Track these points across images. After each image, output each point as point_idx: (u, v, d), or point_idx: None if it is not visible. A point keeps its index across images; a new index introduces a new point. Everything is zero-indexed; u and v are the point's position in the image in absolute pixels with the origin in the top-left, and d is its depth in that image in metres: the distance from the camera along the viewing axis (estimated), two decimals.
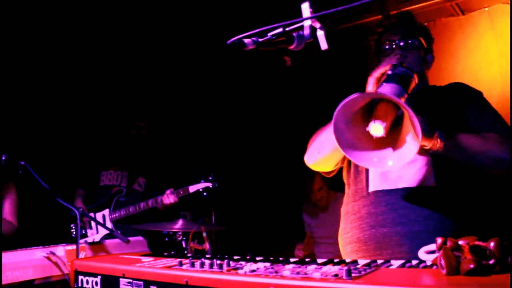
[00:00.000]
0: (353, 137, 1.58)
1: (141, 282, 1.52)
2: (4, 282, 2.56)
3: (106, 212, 4.05)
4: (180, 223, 3.14)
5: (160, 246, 3.92)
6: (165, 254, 2.00)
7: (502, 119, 1.91)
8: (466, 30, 3.91)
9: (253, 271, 1.32)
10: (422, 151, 1.73)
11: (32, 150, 3.83)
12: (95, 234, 4.07)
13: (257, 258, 1.68)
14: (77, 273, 1.81)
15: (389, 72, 1.73)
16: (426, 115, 1.80)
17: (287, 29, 1.35)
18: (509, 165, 1.71)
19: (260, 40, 1.37)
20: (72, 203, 4.11)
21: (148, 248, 3.37)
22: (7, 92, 4.10)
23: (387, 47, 2.05)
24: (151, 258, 1.81)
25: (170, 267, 1.51)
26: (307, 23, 1.30)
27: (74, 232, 3.90)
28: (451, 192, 1.82)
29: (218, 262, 1.42)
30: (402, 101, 1.46)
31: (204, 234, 3.03)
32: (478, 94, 2.03)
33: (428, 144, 1.67)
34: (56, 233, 3.76)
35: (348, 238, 2.00)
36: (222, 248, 4.10)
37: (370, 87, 1.76)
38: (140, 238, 3.46)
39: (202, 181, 3.66)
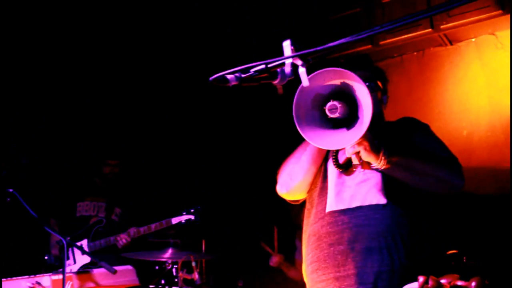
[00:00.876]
0: (312, 119, 1.74)
1: None
2: None
3: (84, 242, 3.99)
4: (169, 252, 3.12)
5: (150, 275, 3.88)
6: (151, 287, 1.98)
7: (446, 147, 2.05)
8: (454, 60, 3.97)
9: None
10: (368, 166, 1.91)
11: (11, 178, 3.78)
12: (72, 264, 4.01)
13: None
14: None
15: None
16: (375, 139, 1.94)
17: (269, 65, 1.37)
18: (451, 184, 1.93)
19: (243, 75, 1.38)
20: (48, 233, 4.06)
21: (136, 277, 3.34)
22: None
23: None
24: None
25: None
26: (288, 60, 1.32)
27: (48, 261, 3.85)
28: (401, 210, 1.92)
29: None
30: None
31: (193, 264, 3.01)
32: (425, 126, 2.17)
33: (375, 158, 1.83)
34: (37, 261, 3.70)
35: (309, 259, 2.06)
36: (212, 277, 4.07)
37: None
38: (128, 266, 3.42)
39: (184, 213, 3.68)
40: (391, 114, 2.29)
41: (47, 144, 4.62)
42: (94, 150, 4.43)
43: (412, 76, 4.16)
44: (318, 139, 1.74)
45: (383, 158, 1.83)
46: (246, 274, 4.14)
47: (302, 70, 1.33)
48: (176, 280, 3.35)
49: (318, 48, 1.26)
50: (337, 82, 1.68)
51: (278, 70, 1.40)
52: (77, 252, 3.99)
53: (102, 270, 3.29)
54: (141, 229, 3.80)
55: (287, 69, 1.32)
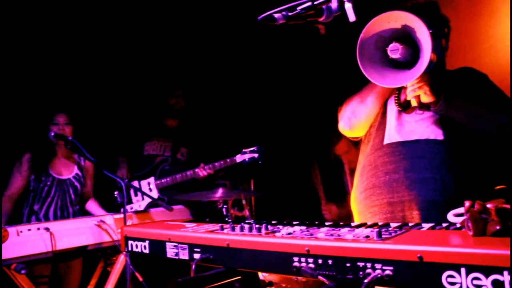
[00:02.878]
0: (375, 59, 1.80)
1: (186, 246, 1.65)
2: (61, 247, 2.78)
3: (151, 179, 4.24)
4: (220, 192, 3.26)
5: (202, 215, 4.08)
6: (206, 220, 2.12)
7: (504, 94, 2.08)
8: None
9: (290, 233, 1.41)
10: (427, 109, 2.00)
11: (79, 121, 3.98)
12: (140, 201, 4.28)
13: (294, 222, 1.78)
14: (127, 238, 1.95)
15: None
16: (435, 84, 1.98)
17: (315, 2, 1.39)
18: (509, 128, 1.93)
19: (290, 14, 1.42)
20: (115, 171, 4.33)
21: (190, 216, 3.54)
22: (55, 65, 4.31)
23: None
24: (194, 224, 1.93)
25: (212, 232, 1.62)
26: None
27: (119, 199, 4.12)
28: (456, 146, 1.98)
29: (257, 226, 1.52)
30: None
31: (244, 201, 3.15)
32: (484, 76, 2.17)
33: (435, 102, 1.91)
34: (103, 202, 3.96)
35: (363, 186, 2.16)
36: (261, 214, 4.22)
37: None
38: (181, 206, 3.63)
39: (248, 151, 3.78)
40: None
41: (115, 84, 4.78)
42: (161, 83, 4.58)
43: (461, 10, 3.98)
44: (379, 78, 1.80)
45: (442, 102, 1.91)
46: (293, 210, 4.26)
47: (348, 6, 1.35)
48: (226, 218, 3.53)
49: None
50: (399, 25, 1.72)
51: (324, 7, 1.42)
52: (145, 188, 4.24)
53: (159, 208, 3.51)
54: (206, 166, 3.96)
55: (334, 5, 1.35)
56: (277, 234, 1.43)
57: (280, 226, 1.62)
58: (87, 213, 3.69)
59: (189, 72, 4.93)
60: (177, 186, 4.12)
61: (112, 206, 4.01)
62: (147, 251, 1.85)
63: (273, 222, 1.86)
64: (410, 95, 1.92)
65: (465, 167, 1.97)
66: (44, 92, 4.25)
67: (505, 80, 2.14)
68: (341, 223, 1.67)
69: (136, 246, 1.90)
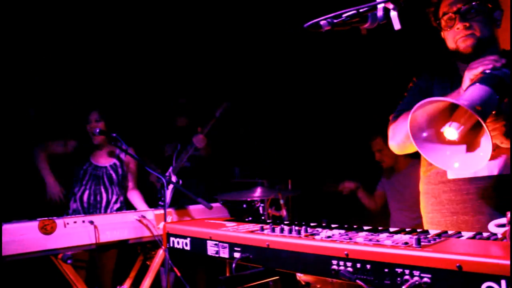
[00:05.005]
0: (430, 134, 1.58)
1: (227, 244, 1.70)
2: (104, 240, 2.90)
3: (170, 169, 4.39)
4: (258, 191, 3.31)
5: (239, 212, 4.15)
6: (246, 219, 2.17)
7: None
8: None
9: (329, 237, 1.44)
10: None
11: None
12: (166, 190, 4.44)
13: (333, 225, 1.80)
14: (169, 235, 2.03)
15: (483, 74, 1.63)
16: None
17: (361, 10, 1.41)
18: None
19: (335, 21, 1.44)
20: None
21: (228, 214, 3.60)
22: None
23: (448, 19, 1.93)
24: (234, 224, 1.98)
25: (252, 232, 1.67)
26: (380, 4, 1.35)
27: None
28: None
29: (297, 228, 1.56)
30: (480, 109, 1.41)
31: (281, 201, 3.18)
32: None
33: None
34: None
35: (429, 218, 2.05)
36: (298, 214, 4.25)
37: (466, 83, 1.68)
38: (219, 204, 3.70)
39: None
40: None
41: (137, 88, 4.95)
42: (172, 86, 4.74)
43: None
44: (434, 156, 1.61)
45: None
46: (330, 210, 4.27)
47: (393, 14, 1.36)
48: (263, 218, 3.58)
49: None
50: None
51: (369, 14, 1.44)
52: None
53: (198, 206, 3.60)
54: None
55: (379, 13, 1.36)
56: (316, 237, 1.46)
57: (319, 229, 1.65)
58: (129, 204, 3.88)
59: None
60: (194, 174, 4.21)
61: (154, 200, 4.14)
62: (188, 248, 1.91)
63: (312, 224, 1.89)
64: None
65: None
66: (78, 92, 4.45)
67: None
68: (379, 228, 1.68)
69: (178, 243, 1.97)
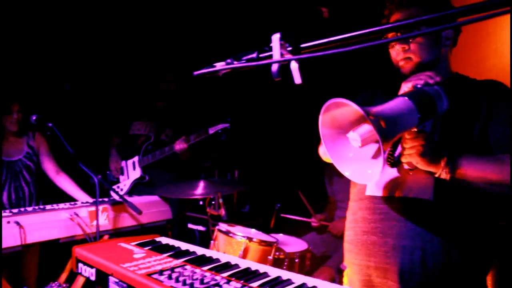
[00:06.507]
0: (340, 142, 1.51)
1: (126, 285, 1.60)
2: (32, 241, 2.79)
3: (136, 159, 4.28)
4: (199, 189, 3.22)
5: (186, 206, 4.11)
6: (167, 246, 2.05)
7: None
8: None
9: None
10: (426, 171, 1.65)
11: (67, 101, 3.97)
12: (126, 179, 4.32)
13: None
14: (78, 260, 1.92)
15: (415, 88, 1.59)
16: (435, 135, 1.72)
17: (261, 55, 1.27)
18: None
19: (235, 63, 1.30)
20: (109, 151, 4.38)
21: (169, 209, 3.53)
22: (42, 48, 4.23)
23: (390, 44, 1.87)
24: (143, 252, 1.87)
25: (148, 276, 1.55)
26: (277, 54, 1.20)
27: (108, 177, 4.23)
28: (447, 211, 1.68)
29: (196, 276, 1.47)
30: (384, 126, 1.34)
31: (220, 200, 3.11)
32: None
33: (433, 171, 1.60)
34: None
35: (347, 235, 2.00)
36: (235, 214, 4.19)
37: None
38: (157, 198, 3.60)
39: (220, 124, 3.72)
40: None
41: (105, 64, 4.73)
42: (153, 67, 4.55)
43: None
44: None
45: (444, 169, 1.57)
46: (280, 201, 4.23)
47: (294, 66, 1.21)
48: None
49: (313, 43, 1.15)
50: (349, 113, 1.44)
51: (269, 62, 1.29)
52: (130, 167, 4.28)
53: (139, 199, 3.52)
54: (181, 139, 3.93)
55: (274, 68, 1.20)
56: None
57: (218, 278, 1.54)
58: (60, 191, 3.73)
59: (181, 56, 4.82)
60: (162, 165, 4.11)
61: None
62: (93, 278, 1.82)
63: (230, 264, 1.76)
64: (403, 159, 1.63)
65: (454, 239, 1.66)
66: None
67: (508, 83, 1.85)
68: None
69: (85, 271, 1.87)
